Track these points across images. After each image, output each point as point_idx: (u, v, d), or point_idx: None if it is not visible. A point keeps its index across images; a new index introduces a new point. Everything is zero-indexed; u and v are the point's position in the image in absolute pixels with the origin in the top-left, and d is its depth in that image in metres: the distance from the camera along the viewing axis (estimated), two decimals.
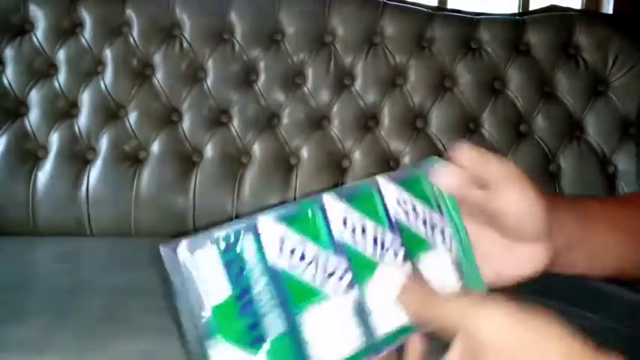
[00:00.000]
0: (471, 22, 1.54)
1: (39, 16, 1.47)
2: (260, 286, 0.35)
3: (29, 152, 1.43)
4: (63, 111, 1.45)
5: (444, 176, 0.45)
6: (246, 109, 1.48)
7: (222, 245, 0.35)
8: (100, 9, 1.48)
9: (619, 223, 0.53)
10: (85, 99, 1.46)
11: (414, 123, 1.50)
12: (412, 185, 0.44)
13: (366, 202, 0.41)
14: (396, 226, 0.41)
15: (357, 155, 1.49)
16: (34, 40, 1.46)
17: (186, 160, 1.45)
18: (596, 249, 0.51)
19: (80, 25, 1.48)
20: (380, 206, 0.41)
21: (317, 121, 1.49)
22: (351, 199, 0.40)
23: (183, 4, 1.49)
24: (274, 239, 0.36)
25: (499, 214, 0.45)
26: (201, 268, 0.34)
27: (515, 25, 1.56)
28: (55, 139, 1.44)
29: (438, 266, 0.43)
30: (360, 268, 0.39)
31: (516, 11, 1.92)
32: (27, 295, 1.06)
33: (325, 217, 0.39)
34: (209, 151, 1.46)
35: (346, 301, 0.38)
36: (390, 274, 0.40)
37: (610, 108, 1.52)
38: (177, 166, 1.44)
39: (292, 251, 0.37)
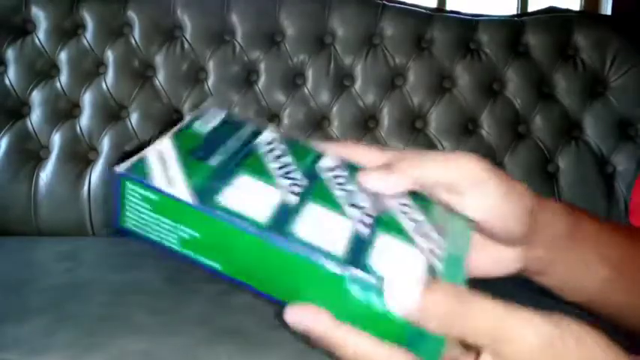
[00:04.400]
0: (469, 23, 1.55)
1: (40, 17, 1.47)
2: (235, 144, 0.40)
3: (31, 152, 1.43)
4: (65, 112, 1.46)
5: (373, 178, 0.40)
6: (247, 110, 1.48)
7: (230, 120, 0.44)
8: (102, 10, 1.48)
9: (606, 250, 0.47)
10: (87, 100, 1.46)
11: (413, 124, 1.51)
12: (428, 206, 0.41)
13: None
14: (380, 212, 0.39)
15: None
16: (36, 41, 1.47)
17: None
18: (576, 270, 0.46)
19: (82, 26, 1.48)
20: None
21: (317, 122, 1.50)
22: (355, 168, 0.42)
23: (185, 5, 1.49)
24: (269, 137, 0.43)
25: (474, 219, 0.41)
26: (205, 117, 0.43)
27: (514, 26, 1.55)
28: (56, 140, 1.44)
29: (399, 255, 0.36)
30: (317, 194, 0.38)
31: (515, 12, 1.93)
32: (28, 294, 1.06)
33: (318, 157, 0.42)
34: None
35: (281, 195, 0.37)
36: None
37: (608, 109, 1.52)
38: None
39: (275, 148, 0.41)
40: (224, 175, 0.37)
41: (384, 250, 0.35)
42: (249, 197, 0.36)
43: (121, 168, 0.34)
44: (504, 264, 0.44)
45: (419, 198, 0.41)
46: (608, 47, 1.54)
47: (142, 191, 0.34)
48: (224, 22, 1.50)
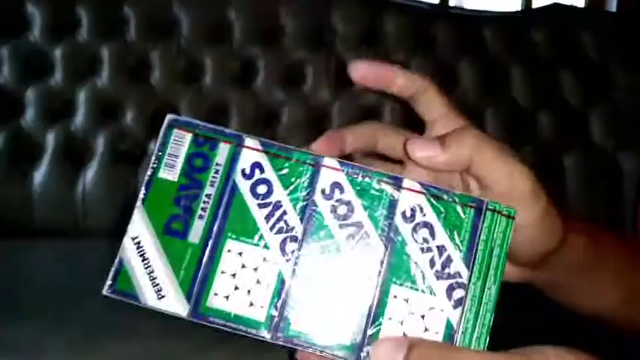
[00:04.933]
0: (473, 19, 1.54)
1: (35, 14, 1.45)
2: (211, 191, 0.36)
3: (25, 152, 1.42)
4: (59, 110, 1.44)
5: (422, 149, 0.37)
6: (245, 108, 1.47)
7: (200, 138, 0.37)
8: (97, 7, 1.47)
9: (626, 272, 0.46)
10: (82, 98, 1.44)
11: (416, 121, 1.49)
12: (446, 204, 0.35)
13: (372, 197, 0.36)
14: (390, 238, 0.35)
15: (358, 154, 1.47)
16: (31, 38, 1.45)
17: None
18: (589, 294, 0.46)
19: (77, 23, 1.46)
20: (385, 206, 0.35)
21: (317, 120, 1.48)
22: (360, 183, 0.36)
23: (181, 1, 1.47)
24: (250, 161, 0.36)
25: None
26: (171, 145, 0.36)
27: (518, 23, 1.55)
28: (51, 139, 1.42)
29: (417, 309, 0.34)
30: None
31: (519, 9, 1.92)
32: (24, 297, 1.06)
33: (313, 176, 0.36)
34: None
35: (275, 265, 0.35)
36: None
37: (614, 107, 1.51)
38: None
39: (260, 181, 0.36)
40: (211, 254, 0.35)
41: (399, 312, 0.34)
42: (242, 282, 0.34)
43: (106, 288, 0.35)
44: (507, 276, 0.42)
45: (434, 195, 0.36)
46: (613, 44, 1.53)
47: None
48: (222, 17, 1.48)
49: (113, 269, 0.35)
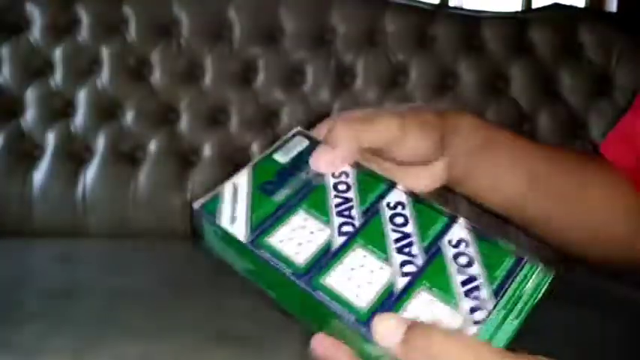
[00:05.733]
0: (473, 20, 1.53)
1: (35, 14, 1.45)
2: (304, 177, 0.44)
3: (25, 152, 1.42)
4: (59, 110, 1.44)
5: (322, 157, 0.45)
6: (245, 108, 1.47)
7: (311, 145, 0.47)
8: (97, 6, 1.47)
9: (522, 162, 0.52)
10: (82, 98, 1.44)
11: None
12: (491, 248, 0.39)
13: (427, 219, 0.41)
14: (432, 253, 0.39)
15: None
16: (30, 38, 1.45)
17: (183, 159, 1.44)
18: (491, 177, 0.51)
19: (77, 23, 1.46)
20: (437, 230, 0.40)
21: (317, 120, 1.47)
22: (420, 209, 0.42)
23: (181, 0, 1.47)
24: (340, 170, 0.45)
25: (397, 158, 0.47)
26: (292, 143, 0.47)
27: (518, 23, 1.54)
28: (51, 139, 1.42)
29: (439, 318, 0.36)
30: (367, 236, 0.40)
31: (519, 9, 1.92)
32: (24, 296, 1.05)
33: (386, 191, 0.43)
34: (207, 150, 1.45)
35: (329, 235, 0.40)
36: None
37: (614, 107, 1.51)
38: (175, 166, 1.43)
39: (341, 182, 0.44)
40: (284, 212, 0.41)
41: (418, 308, 0.36)
42: (298, 237, 0.40)
43: (197, 204, 0.42)
44: (428, 178, 0.50)
45: (482, 237, 0.40)
46: (613, 44, 1.53)
47: (211, 225, 0.41)
48: (222, 17, 1.48)
49: (211, 194, 0.42)
